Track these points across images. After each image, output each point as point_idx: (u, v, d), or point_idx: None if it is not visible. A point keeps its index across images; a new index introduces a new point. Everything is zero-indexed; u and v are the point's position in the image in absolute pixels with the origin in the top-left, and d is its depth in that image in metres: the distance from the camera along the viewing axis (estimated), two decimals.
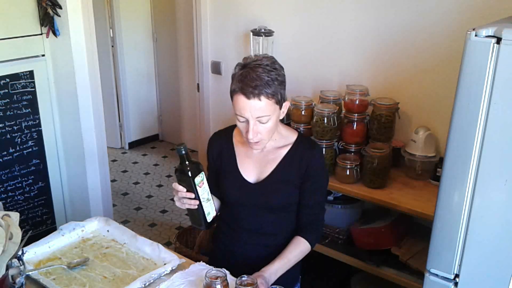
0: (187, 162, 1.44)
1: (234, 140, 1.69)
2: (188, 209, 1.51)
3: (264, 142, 1.55)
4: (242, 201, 1.64)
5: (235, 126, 1.71)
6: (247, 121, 1.49)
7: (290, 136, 1.65)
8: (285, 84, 1.53)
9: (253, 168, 1.64)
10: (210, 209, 1.51)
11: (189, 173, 1.43)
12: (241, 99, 1.46)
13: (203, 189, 1.47)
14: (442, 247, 1.52)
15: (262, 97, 1.45)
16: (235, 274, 1.54)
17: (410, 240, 2.39)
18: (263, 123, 1.49)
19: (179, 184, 1.46)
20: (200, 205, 1.47)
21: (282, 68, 1.53)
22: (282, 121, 2.75)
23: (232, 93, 1.50)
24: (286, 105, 1.56)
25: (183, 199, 1.47)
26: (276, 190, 1.61)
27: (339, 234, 2.49)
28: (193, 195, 1.45)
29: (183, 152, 1.43)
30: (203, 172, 1.47)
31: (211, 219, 1.52)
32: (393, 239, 2.36)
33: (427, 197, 2.21)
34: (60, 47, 2.76)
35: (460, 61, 1.35)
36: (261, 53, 2.72)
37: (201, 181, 1.46)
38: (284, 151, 1.62)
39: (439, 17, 2.34)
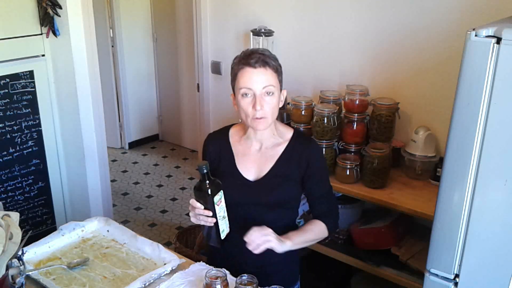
0: (207, 181, 1.45)
1: (231, 140, 1.69)
2: (203, 225, 1.52)
3: (268, 120, 1.55)
4: (242, 201, 1.64)
5: (230, 126, 1.73)
6: (253, 95, 1.51)
7: (286, 133, 1.67)
8: (282, 73, 1.59)
9: (251, 166, 1.65)
10: (225, 226, 1.52)
11: (209, 191, 1.44)
12: (247, 71, 1.51)
13: (221, 207, 1.48)
14: (442, 247, 1.52)
15: (267, 67, 1.51)
16: (235, 273, 1.54)
17: (410, 240, 2.39)
18: (268, 95, 1.52)
19: (197, 201, 1.47)
20: (216, 222, 1.48)
21: (277, 59, 1.60)
22: (282, 120, 2.76)
23: (237, 72, 1.54)
24: (283, 93, 1.61)
25: (199, 216, 1.48)
26: (276, 186, 1.62)
27: (339, 234, 2.49)
28: (210, 213, 1.46)
29: (205, 171, 1.44)
30: (222, 191, 1.48)
31: (224, 236, 1.53)
32: (393, 239, 2.36)
33: (427, 197, 2.22)
34: (60, 47, 2.76)
35: (460, 61, 1.35)
36: None
37: (219, 200, 1.48)
38: (282, 147, 1.64)
39: (439, 17, 2.35)
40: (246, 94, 1.52)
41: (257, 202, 1.63)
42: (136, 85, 4.98)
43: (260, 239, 1.46)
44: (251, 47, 2.94)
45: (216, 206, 1.46)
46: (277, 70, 1.55)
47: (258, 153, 1.65)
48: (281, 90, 1.58)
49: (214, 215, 1.46)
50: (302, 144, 1.64)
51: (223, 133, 1.72)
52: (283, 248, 1.52)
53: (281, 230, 1.69)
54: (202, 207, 1.46)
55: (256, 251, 1.47)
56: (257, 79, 1.50)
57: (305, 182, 1.65)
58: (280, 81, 1.57)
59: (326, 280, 2.66)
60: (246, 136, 1.66)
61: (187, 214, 3.70)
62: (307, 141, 1.67)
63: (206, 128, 3.53)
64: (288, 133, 1.67)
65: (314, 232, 1.63)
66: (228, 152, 1.68)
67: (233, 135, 1.70)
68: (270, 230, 1.49)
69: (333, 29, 2.75)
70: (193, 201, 1.48)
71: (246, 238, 1.47)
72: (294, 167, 1.62)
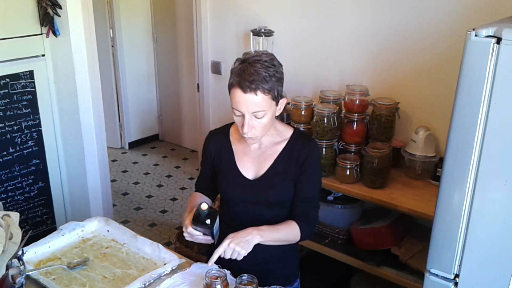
0: (207, 215, 1.47)
1: (231, 138, 1.70)
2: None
3: (258, 138, 1.56)
4: (241, 198, 1.65)
5: (231, 124, 1.72)
6: (243, 116, 1.51)
7: (286, 132, 1.67)
8: (283, 81, 1.55)
9: (251, 164, 1.65)
10: (218, 233, 1.55)
11: (208, 221, 1.46)
12: (238, 92, 1.48)
13: (216, 227, 1.51)
14: (442, 247, 1.52)
15: (259, 92, 1.46)
16: (233, 272, 1.54)
17: (410, 240, 2.39)
18: (258, 118, 1.51)
19: (195, 229, 1.49)
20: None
21: (280, 65, 1.55)
22: (282, 120, 2.76)
23: (230, 86, 1.52)
24: (283, 102, 1.57)
25: (197, 237, 1.51)
26: (275, 185, 1.62)
27: (339, 234, 2.49)
28: (210, 239, 1.50)
29: (206, 213, 1.46)
30: (218, 216, 1.51)
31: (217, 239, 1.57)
32: (393, 239, 2.36)
33: (427, 197, 2.22)
34: (60, 47, 2.76)
35: (460, 61, 1.35)
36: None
37: (217, 224, 1.51)
38: (281, 146, 1.64)
39: (439, 17, 2.35)
40: (236, 113, 1.52)
41: (256, 201, 1.64)
42: (136, 85, 4.98)
43: (232, 254, 1.46)
44: (251, 48, 2.95)
45: (213, 230, 1.48)
46: (271, 91, 1.47)
47: (257, 151, 1.65)
48: (278, 102, 1.54)
49: (213, 237, 1.50)
50: (301, 143, 1.63)
51: (224, 131, 1.73)
52: (252, 243, 1.50)
53: None
54: (201, 234, 1.49)
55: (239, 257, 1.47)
56: (246, 103, 1.48)
57: (296, 180, 1.63)
58: (275, 98, 1.50)
59: (326, 280, 2.66)
60: None
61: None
62: (307, 140, 1.66)
63: (206, 128, 3.53)
64: (288, 132, 1.66)
65: (287, 233, 1.60)
66: (229, 151, 1.68)
67: (233, 133, 1.71)
68: (235, 238, 1.48)
69: (333, 29, 2.75)
70: (191, 230, 1.49)
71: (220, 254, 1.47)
72: (292, 166, 1.62)
